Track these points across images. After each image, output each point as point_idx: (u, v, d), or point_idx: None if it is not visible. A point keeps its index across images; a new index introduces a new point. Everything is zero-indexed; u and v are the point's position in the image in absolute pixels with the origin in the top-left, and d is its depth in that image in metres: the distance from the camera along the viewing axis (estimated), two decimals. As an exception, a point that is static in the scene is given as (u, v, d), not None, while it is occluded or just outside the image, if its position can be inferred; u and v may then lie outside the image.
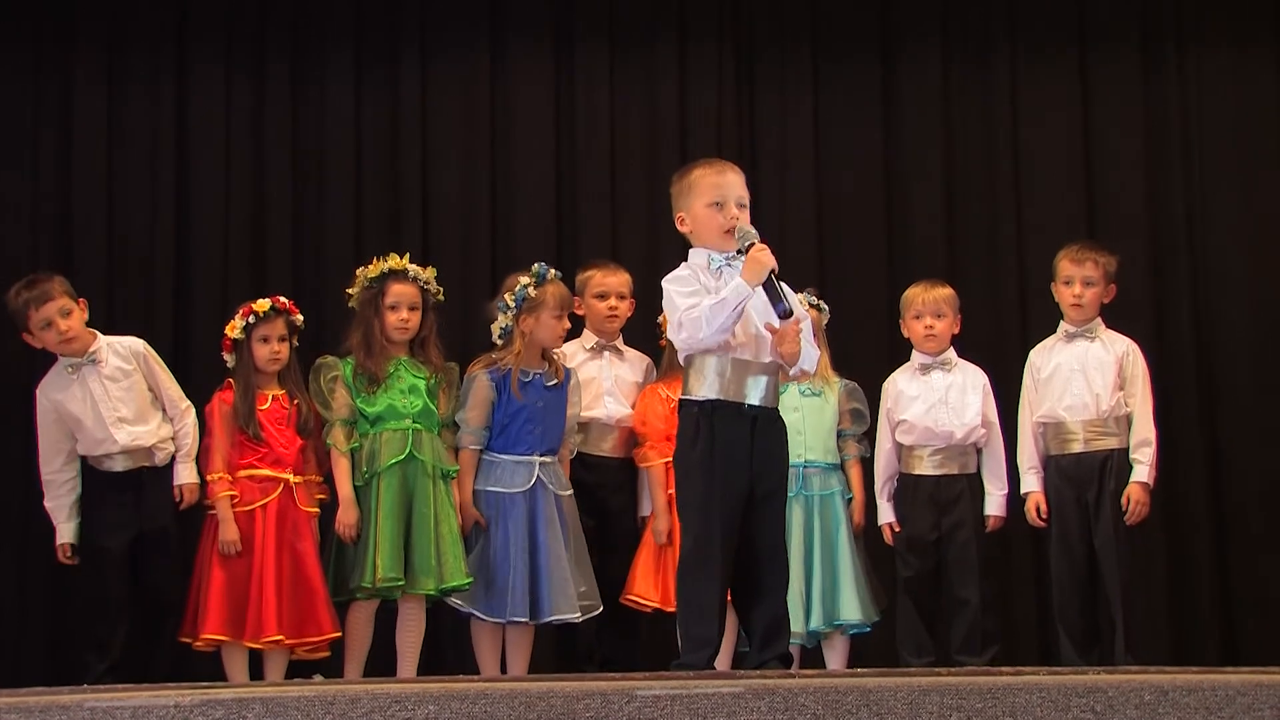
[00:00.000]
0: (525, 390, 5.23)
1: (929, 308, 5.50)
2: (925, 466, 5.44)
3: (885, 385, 5.56)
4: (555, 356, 5.34)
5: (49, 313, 5.13)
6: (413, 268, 5.33)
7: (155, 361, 5.32)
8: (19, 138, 6.37)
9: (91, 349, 5.21)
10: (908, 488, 5.46)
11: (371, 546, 5.10)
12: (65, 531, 5.19)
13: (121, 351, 5.27)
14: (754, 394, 4.30)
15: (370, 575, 5.07)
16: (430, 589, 5.12)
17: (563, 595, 5.11)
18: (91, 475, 5.21)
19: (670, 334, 4.45)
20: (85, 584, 5.22)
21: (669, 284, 4.38)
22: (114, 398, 5.20)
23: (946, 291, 5.54)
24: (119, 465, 5.20)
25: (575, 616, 5.15)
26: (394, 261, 5.32)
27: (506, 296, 5.26)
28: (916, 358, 5.55)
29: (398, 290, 5.29)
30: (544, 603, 5.10)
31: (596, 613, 5.25)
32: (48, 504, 5.22)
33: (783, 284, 4.20)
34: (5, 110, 6.39)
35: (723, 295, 4.21)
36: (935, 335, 5.49)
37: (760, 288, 4.18)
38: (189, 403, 5.33)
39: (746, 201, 4.41)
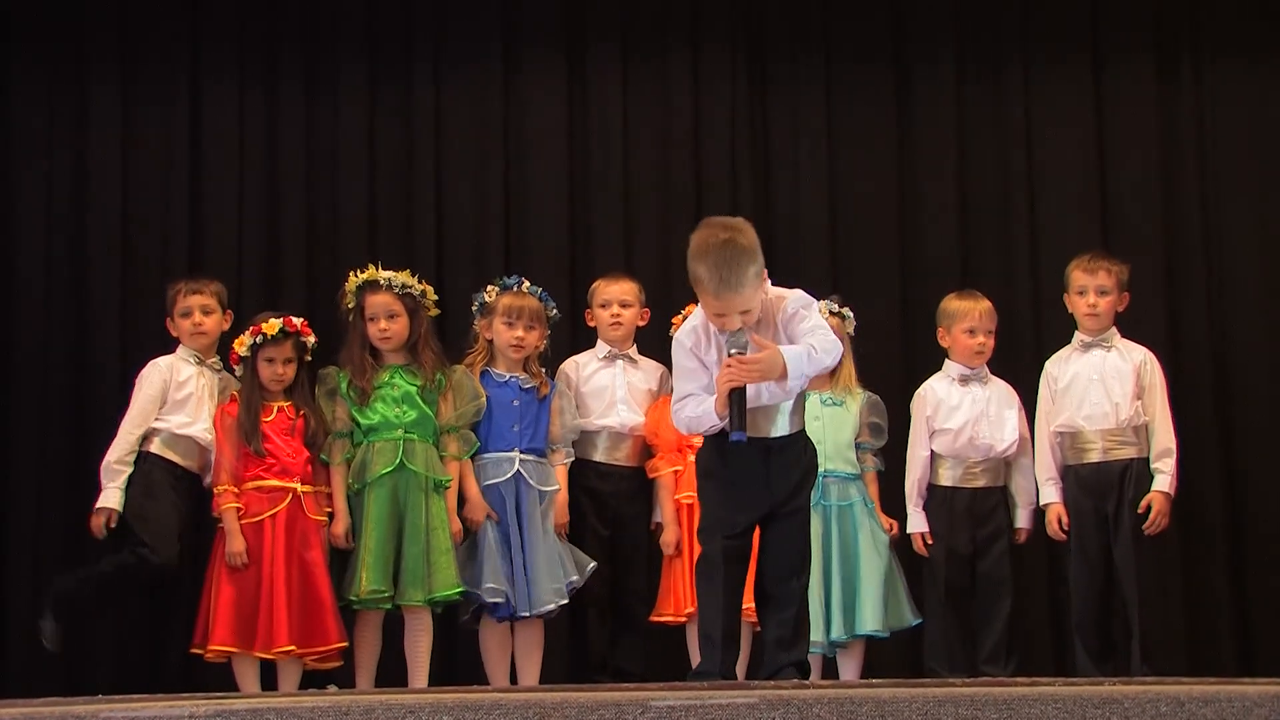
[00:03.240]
0: (500, 389, 5.34)
1: (984, 323, 5.52)
2: (963, 479, 5.44)
3: (921, 393, 5.54)
4: (536, 369, 5.42)
5: (191, 303, 5.39)
6: (385, 275, 5.36)
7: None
8: (34, 150, 6.39)
9: (213, 359, 5.43)
10: (944, 500, 5.44)
11: (359, 559, 5.14)
12: (116, 498, 5.17)
13: (231, 383, 5.42)
14: (774, 428, 4.25)
15: (357, 587, 5.12)
16: (418, 600, 5.14)
17: (546, 591, 5.18)
18: (151, 461, 5.22)
19: None
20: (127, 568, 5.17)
21: (674, 345, 4.36)
22: (215, 401, 5.34)
23: (990, 305, 5.57)
24: (181, 452, 5.25)
25: (551, 609, 5.21)
26: (368, 273, 5.37)
27: (474, 303, 5.44)
28: (954, 369, 5.54)
29: (373, 301, 5.34)
30: (533, 597, 5.18)
31: (590, 570, 5.29)
32: (109, 466, 5.19)
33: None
34: (20, 122, 6.41)
35: (698, 413, 4.18)
36: (984, 351, 5.51)
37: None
38: None
39: (753, 305, 4.16)
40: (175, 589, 5.26)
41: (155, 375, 5.31)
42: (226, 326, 5.47)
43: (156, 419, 5.26)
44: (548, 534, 5.28)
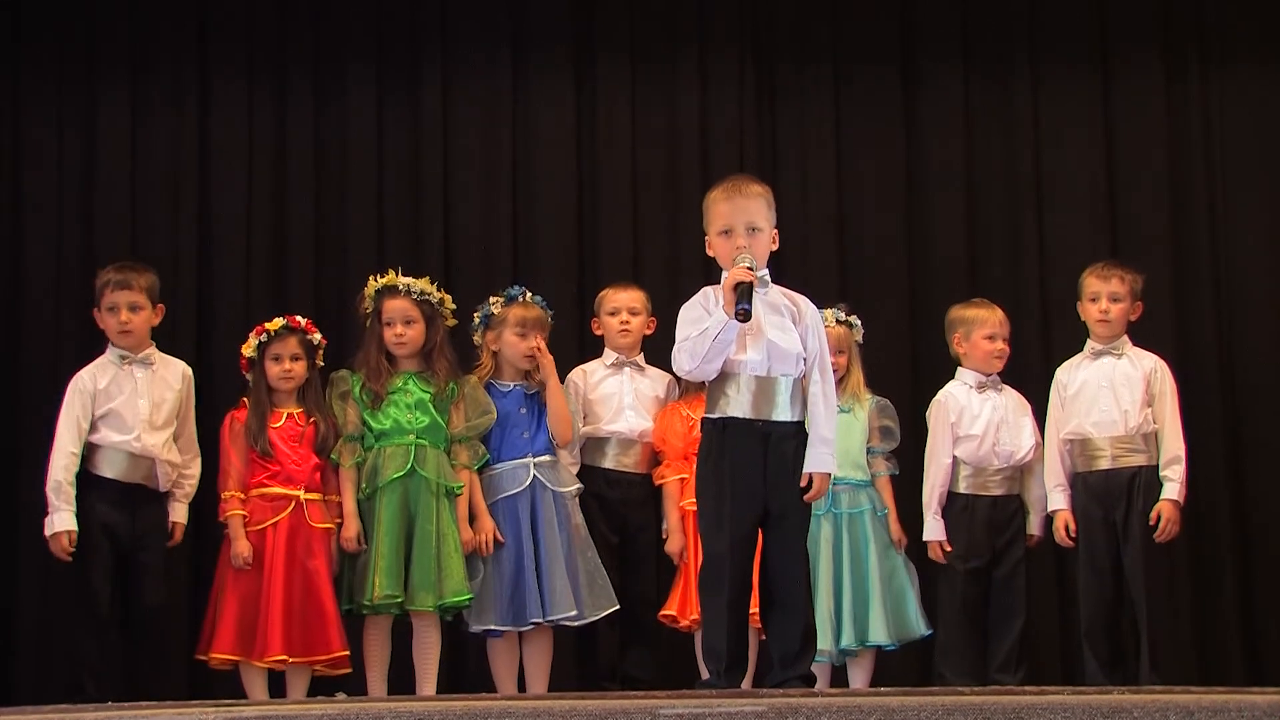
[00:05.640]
0: (506, 399, 5.35)
1: (1001, 329, 5.54)
2: (981, 486, 5.43)
3: (942, 400, 5.54)
4: (535, 373, 5.40)
5: (117, 299, 5.26)
6: (404, 281, 5.38)
7: (192, 395, 5.37)
8: (43, 154, 6.39)
9: (145, 352, 5.29)
10: (965, 508, 5.44)
11: (372, 563, 5.14)
12: (67, 519, 5.05)
13: (174, 368, 5.34)
14: (774, 409, 4.31)
15: (370, 592, 5.11)
16: (429, 605, 5.14)
17: (560, 596, 5.16)
18: (85, 481, 5.13)
19: None
20: (76, 590, 5.11)
21: (681, 312, 4.44)
22: (154, 402, 5.23)
23: (1003, 312, 5.59)
24: (119, 469, 5.15)
25: (571, 614, 5.17)
26: (388, 278, 5.39)
27: (475, 315, 5.43)
28: (972, 377, 5.54)
29: (390, 306, 5.36)
30: (546, 603, 5.16)
31: (610, 611, 5.26)
32: (59, 485, 5.07)
33: (764, 289, 4.30)
34: (29, 127, 6.41)
35: (704, 327, 4.26)
36: (1003, 356, 5.54)
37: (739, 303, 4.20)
38: (198, 451, 5.38)
39: (760, 224, 4.37)
40: (134, 596, 5.18)
41: (73, 393, 5.18)
42: (156, 321, 5.34)
43: (92, 430, 5.15)
44: (578, 546, 5.26)
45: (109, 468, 5.16)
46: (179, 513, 5.28)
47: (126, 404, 5.19)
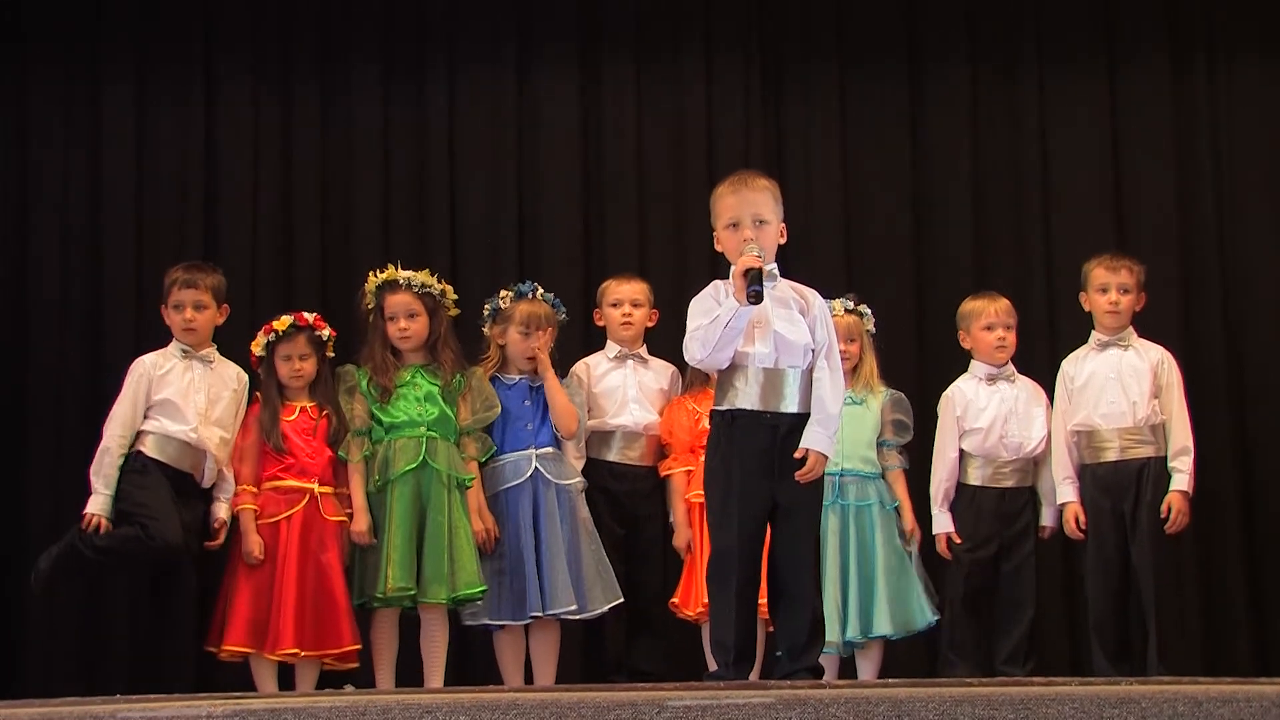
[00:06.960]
0: (511, 392, 5.36)
1: (1001, 319, 5.53)
2: (992, 478, 5.44)
3: (949, 394, 5.55)
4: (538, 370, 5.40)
5: (184, 298, 5.29)
6: (405, 275, 5.38)
7: (245, 399, 5.36)
8: (49, 154, 6.40)
9: (206, 350, 5.31)
10: (971, 499, 5.45)
11: (384, 555, 5.14)
12: (104, 503, 5.06)
13: (231, 370, 5.35)
14: (784, 401, 4.31)
15: (382, 584, 5.12)
16: (442, 598, 5.15)
17: (560, 589, 5.16)
18: (147, 463, 5.13)
19: None
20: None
21: (692, 305, 4.44)
22: (210, 398, 5.24)
23: (1008, 302, 5.59)
24: (170, 455, 5.14)
25: (571, 608, 5.17)
26: (388, 273, 5.40)
27: (485, 307, 5.44)
28: (981, 369, 5.54)
29: (392, 301, 5.37)
30: (546, 596, 5.17)
31: (614, 604, 5.27)
32: (102, 468, 5.09)
33: (772, 283, 4.28)
34: (35, 127, 6.42)
35: (716, 314, 4.25)
36: (1006, 346, 5.52)
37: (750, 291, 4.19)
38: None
39: (767, 216, 4.38)
40: (177, 586, 5.18)
41: (136, 375, 5.21)
42: (221, 320, 5.37)
43: (146, 419, 5.17)
44: (583, 539, 5.26)
45: (159, 452, 5.16)
46: (224, 510, 5.23)
47: (184, 395, 5.20)
